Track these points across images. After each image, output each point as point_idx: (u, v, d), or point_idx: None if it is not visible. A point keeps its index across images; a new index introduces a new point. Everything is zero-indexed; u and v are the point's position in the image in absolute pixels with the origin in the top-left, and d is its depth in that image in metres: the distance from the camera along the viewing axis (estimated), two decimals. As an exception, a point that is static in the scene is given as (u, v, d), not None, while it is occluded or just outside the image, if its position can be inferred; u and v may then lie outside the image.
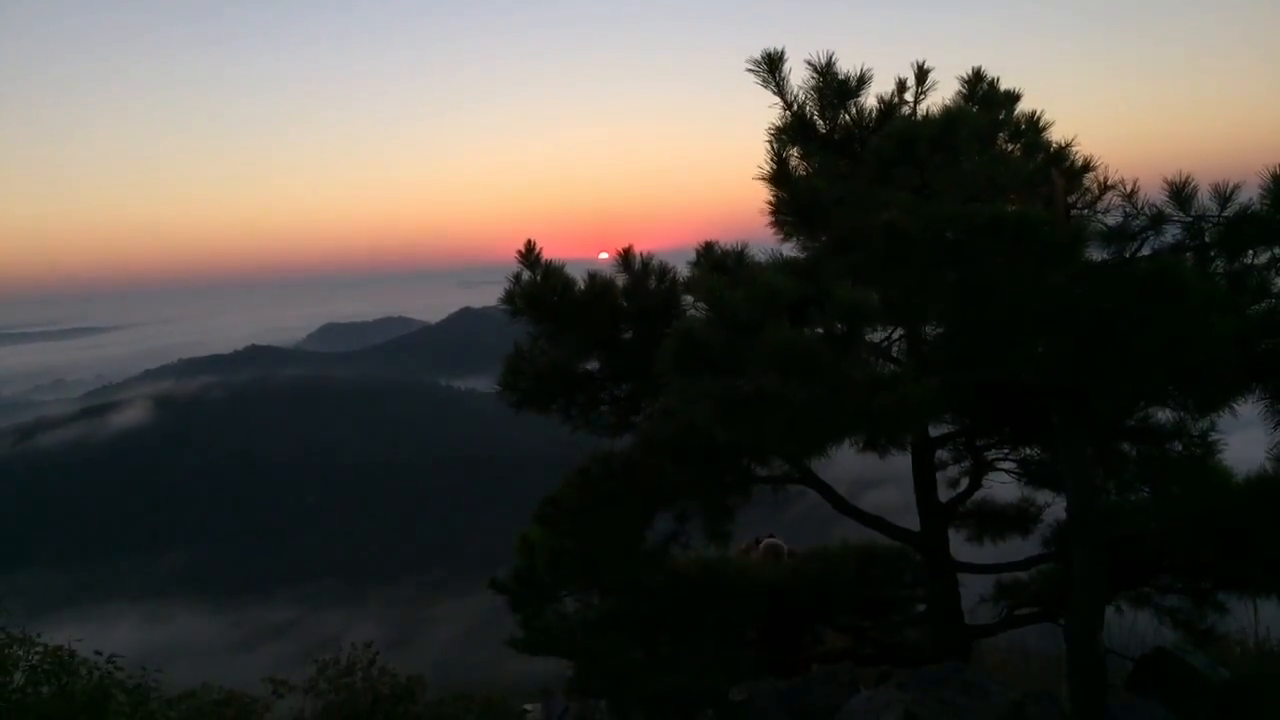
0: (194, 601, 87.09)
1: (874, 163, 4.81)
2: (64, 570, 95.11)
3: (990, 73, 6.04)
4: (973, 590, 6.74)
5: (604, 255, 6.31)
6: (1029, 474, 6.64)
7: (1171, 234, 4.62)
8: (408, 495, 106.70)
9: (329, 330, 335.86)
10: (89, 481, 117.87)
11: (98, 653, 6.63)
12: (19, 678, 6.21)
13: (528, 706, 8.17)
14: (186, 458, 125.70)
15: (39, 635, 6.56)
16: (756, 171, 5.49)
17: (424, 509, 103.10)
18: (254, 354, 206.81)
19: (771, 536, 7.86)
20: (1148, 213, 4.64)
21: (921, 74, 5.64)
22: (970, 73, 6.05)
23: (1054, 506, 6.75)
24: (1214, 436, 5.80)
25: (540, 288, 5.81)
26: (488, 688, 8.23)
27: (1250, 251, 4.46)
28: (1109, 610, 5.85)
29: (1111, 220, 4.79)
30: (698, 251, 5.67)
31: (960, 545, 6.74)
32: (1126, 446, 6.01)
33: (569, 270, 5.95)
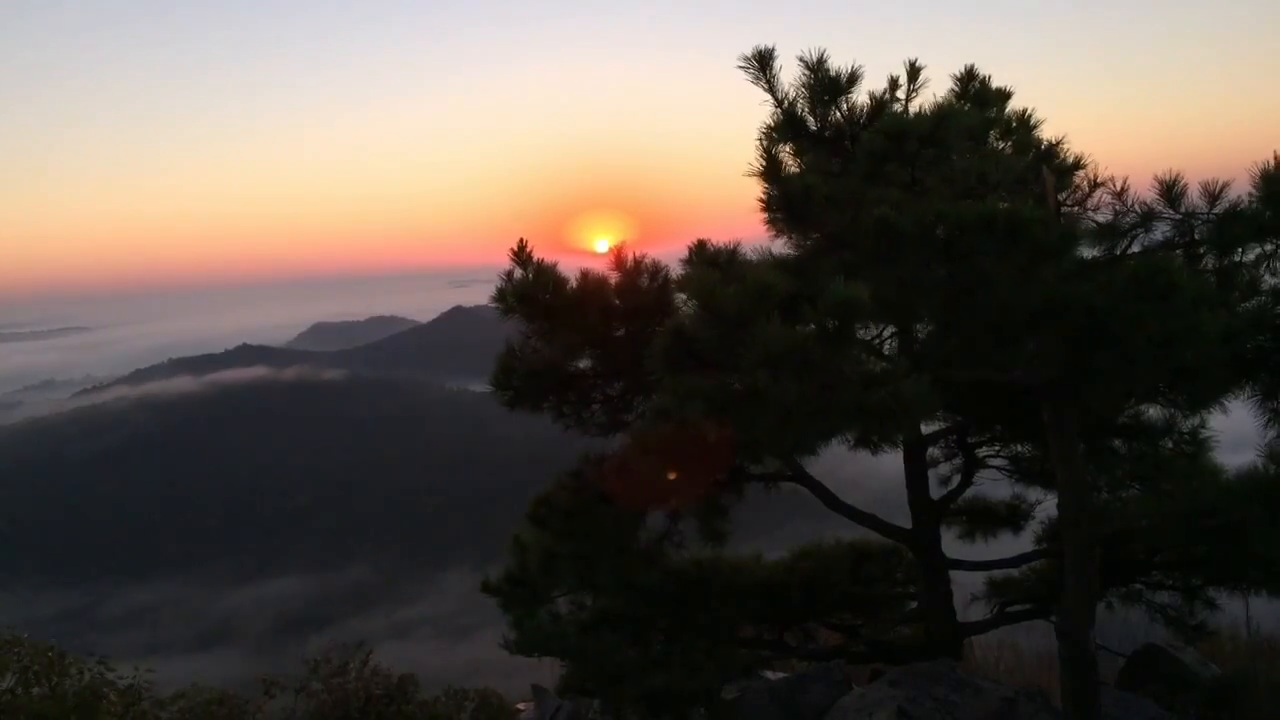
0: (183, 599, 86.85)
1: (865, 159, 4.81)
2: (57, 573, 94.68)
3: (982, 71, 6.08)
4: (965, 587, 6.76)
5: (602, 245, 6.35)
6: (1020, 471, 6.66)
7: (1161, 231, 4.64)
8: (399, 495, 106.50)
9: (320, 330, 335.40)
10: (80, 482, 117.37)
11: (89, 653, 6.60)
12: (10, 678, 6.17)
13: (520, 705, 8.15)
14: (177, 457, 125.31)
15: (25, 636, 6.53)
16: (748, 169, 5.49)
17: (415, 509, 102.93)
18: (244, 353, 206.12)
19: None
20: (1138, 210, 4.66)
21: (913, 71, 5.64)
22: (962, 70, 6.06)
23: (1045, 504, 6.77)
24: (1205, 433, 5.83)
25: (532, 286, 5.79)
26: (480, 687, 8.20)
27: (1240, 249, 4.48)
28: (1100, 607, 5.87)
29: (1102, 218, 4.81)
30: (690, 249, 5.67)
31: (952, 542, 6.76)
32: (1118, 443, 6.03)
33: (561, 269, 5.94)
